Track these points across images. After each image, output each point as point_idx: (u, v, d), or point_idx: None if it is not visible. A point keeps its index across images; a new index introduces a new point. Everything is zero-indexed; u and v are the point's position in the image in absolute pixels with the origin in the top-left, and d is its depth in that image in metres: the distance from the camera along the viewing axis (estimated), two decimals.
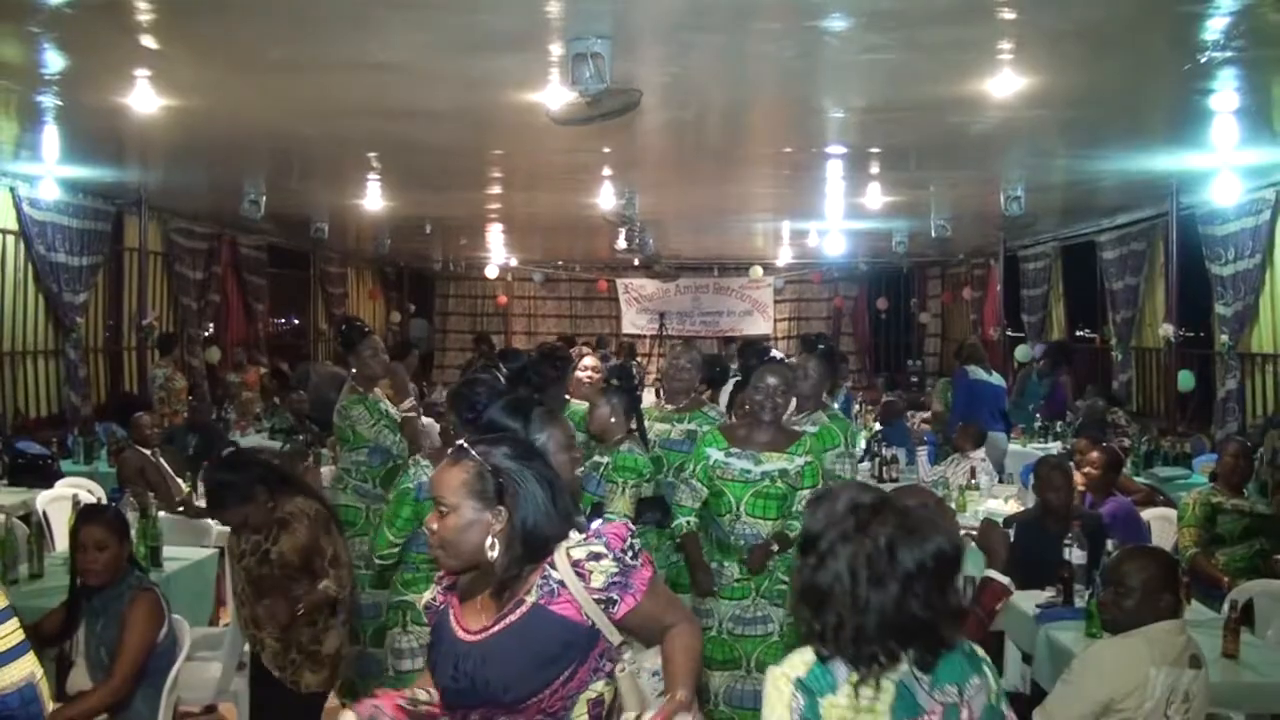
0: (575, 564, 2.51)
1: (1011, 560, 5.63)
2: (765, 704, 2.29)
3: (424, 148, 8.21)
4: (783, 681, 2.27)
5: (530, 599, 2.51)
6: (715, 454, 4.82)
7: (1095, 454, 6.34)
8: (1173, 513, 6.57)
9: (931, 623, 2.19)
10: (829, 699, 2.23)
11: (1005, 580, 3.57)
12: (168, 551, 5.79)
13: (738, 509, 4.72)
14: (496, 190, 11.00)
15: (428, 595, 2.73)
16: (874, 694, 2.20)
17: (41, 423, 9.92)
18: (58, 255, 9.89)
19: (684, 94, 6.41)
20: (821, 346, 6.26)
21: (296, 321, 18.00)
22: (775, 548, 4.65)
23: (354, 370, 6.19)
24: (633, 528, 2.66)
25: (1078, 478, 6.12)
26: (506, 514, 2.51)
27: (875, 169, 9.31)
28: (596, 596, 2.50)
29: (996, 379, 10.35)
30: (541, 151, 8.38)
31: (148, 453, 7.72)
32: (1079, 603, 4.80)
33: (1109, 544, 5.01)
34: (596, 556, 2.52)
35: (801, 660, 2.28)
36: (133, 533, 4.57)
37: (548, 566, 2.52)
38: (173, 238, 12.31)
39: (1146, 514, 6.64)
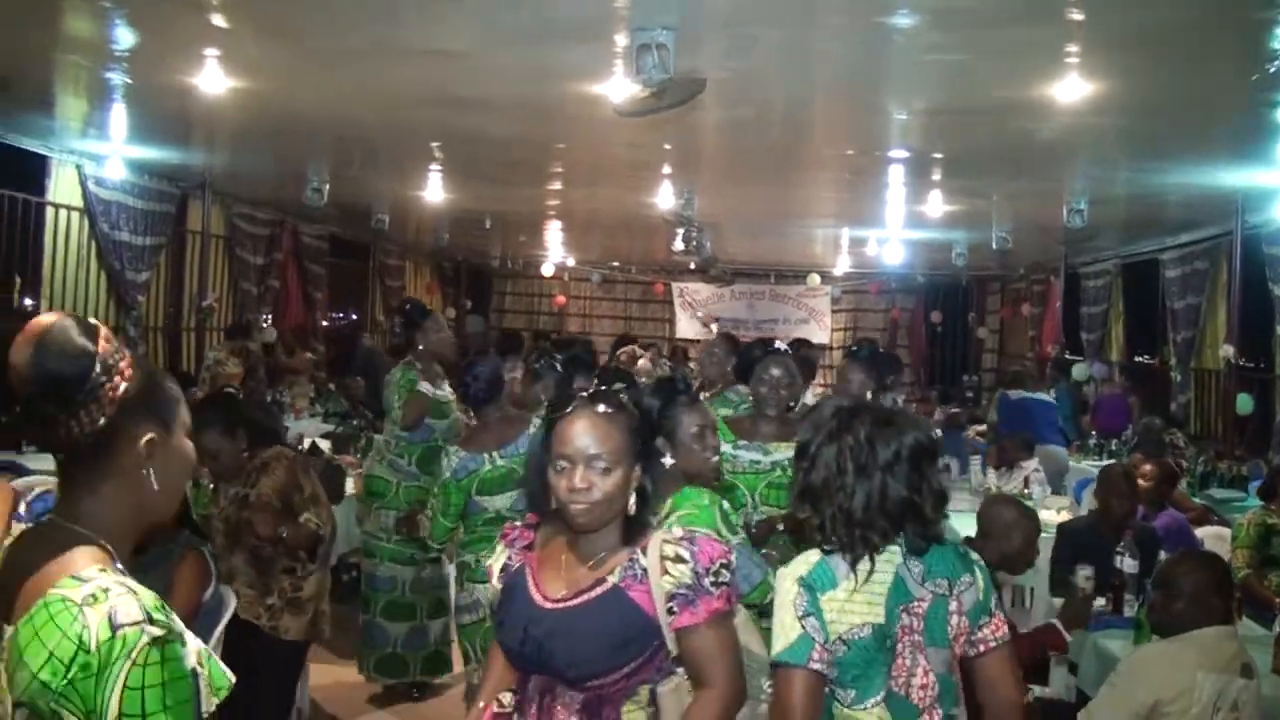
0: (663, 557, 2.45)
1: (1062, 566, 5.60)
2: (775, 606, 2.56)
3: (486, 139, 8.25)
4: (788, 582, 2.54)
5: (612, 579, 2.46)
6: (724, 447, 4.81)
7: (1149, 466, 6.25)
8: (1227, 532, 6.46)
9: (914, 502, 2.51)
10: (829, 594, 2.51)
11: (1067, 636, 4.03)
12: None
13: (753, 500, 4.69)
14: (557, 186, 11.04)
15: (501, 557, 2.66)
16: (869, 573, 2.50)
17: None
18: (121, 234, 10.05)
19: (746, 90, 6.39)
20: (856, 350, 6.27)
21: (355, 316, 18.16)
22: (781, 526, 4.56)
23: (420, 347, 6.33)
24: (733, 559, 2.53)
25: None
26: (639, 476, 2.50)
27: (937, 175, 9.24)
28: (666, 595, 2.43)
29: (1045, 395, 10.28)
30: (603, 145, 8.39)
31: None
32: (1128, 612, 4.73)
33: (1161, 556, 4.95)
34: (680, 559, 2.44)
35: (804, 561, 2.57)
36: (190, 499, 4.65)
37: (638, 551, 2.48)
38: (235, 222, 12.47)
39: (1200, 532, 6.54)
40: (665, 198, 10.68)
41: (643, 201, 11.21)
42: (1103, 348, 14.14)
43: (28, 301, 9.39)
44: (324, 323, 15.89)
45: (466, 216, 13.82)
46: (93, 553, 1.70)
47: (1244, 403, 9.85)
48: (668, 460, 3.40)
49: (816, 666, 2.47)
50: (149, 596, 1.66)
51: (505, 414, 4.92)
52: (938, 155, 8.35)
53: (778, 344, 5.24)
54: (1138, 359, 14.54)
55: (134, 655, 1.57)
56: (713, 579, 2.42)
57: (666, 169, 9.54)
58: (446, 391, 6.32)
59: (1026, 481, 7.63)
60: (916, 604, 2.52)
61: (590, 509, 2.43)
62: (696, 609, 2.40)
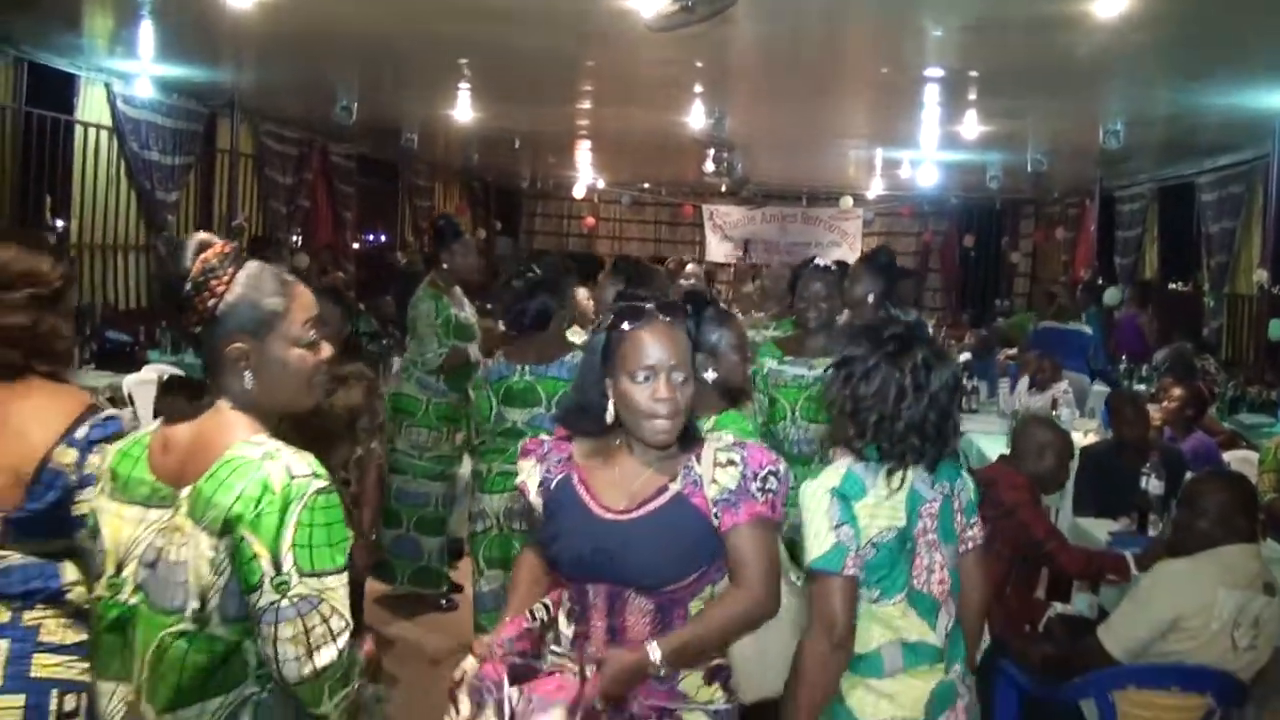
0: (715, 463, 2.48)
1: (1086, 487, 5.62)
2: (805, 519, 2.70)
3: (515, 55, 8.16)
4: (820, 492, 2.70)
5: (675, 487, 2.48)
6: (770, 364, 4.85)
7: (1178, 390, 6.22)
8: (1254, 456, 6.43)
9: (944, 429, 2.74)
10: (861, 502, 2.68)
11: (1134, 570, 4.22)
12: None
13: (792, 413, 4.72)
14: (586, 105, 10.94)
15: (536, 472, 2.61)
16: (899, 484, 2.70)
17: (130, 315, 10.16)
18: (151, 153, 10.05)
19: (778, 4, 6.29)
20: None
21: (385, 237, 18.15)
22: None
23: (444, 266, 6.30)
24: (783, 467, 2.54)
25: (1156, 414, 6.02)
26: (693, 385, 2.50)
27: (973, 95, 9.09)
28: (712, 500, 2.46)
29: (1078, 325, 10.25)
30: (632, 63, 8.30)
31: None
32: (1153, 532, 4.73)
33: (1187, 477, 4.94)
34: (731, 463, 2.48)
35: (834, 473, 2.73)
36: None
37: (692, 458, 2.50)
38: (264, 141, 12.45)
39: (1228, 456, 6.50)
40: (696, 118, 10.56)
41: (673, 121, 11.09)
42: (1136, 272, 13.98)
43: (59, 222, 9.44)
44: (354, 244, 15.91)
45: (496, 136, 13.74)
46: (249, 423, 2.07)
47: (1276, 327, 9.74)
48: (710, 375, 3.48)
49: (851, 572, 2.65)
50: (310, 457, 2.03)
51: (548, 339, 4.77)
52: (974, 74, 8.21)
53: (818, 261, 5.20)
54: (1171, 284, 14.38)
55: (305, 499, 1.97)
56: (759, 484, 2.45)
57: (698, 88, 9.42)
58: (469, 312, 6.35)
59: (1055, 403, 7.61)
60: (929, 504, 2.76)
61: (673, 420, 2.44)
62: (738, 511, 2.43)
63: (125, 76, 9.49)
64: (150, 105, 9.93)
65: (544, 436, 2.70)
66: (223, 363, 2.08)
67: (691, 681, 2.49)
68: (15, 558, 2.33)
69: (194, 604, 1.98)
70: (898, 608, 2.71)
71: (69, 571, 2.39)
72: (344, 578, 2.01)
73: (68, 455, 2.33)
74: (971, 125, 10.59)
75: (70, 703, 2.30)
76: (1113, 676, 3.49)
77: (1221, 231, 11.42)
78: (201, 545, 1.97)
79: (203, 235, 2.12)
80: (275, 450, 2.01)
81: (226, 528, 1.95)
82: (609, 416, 2.49)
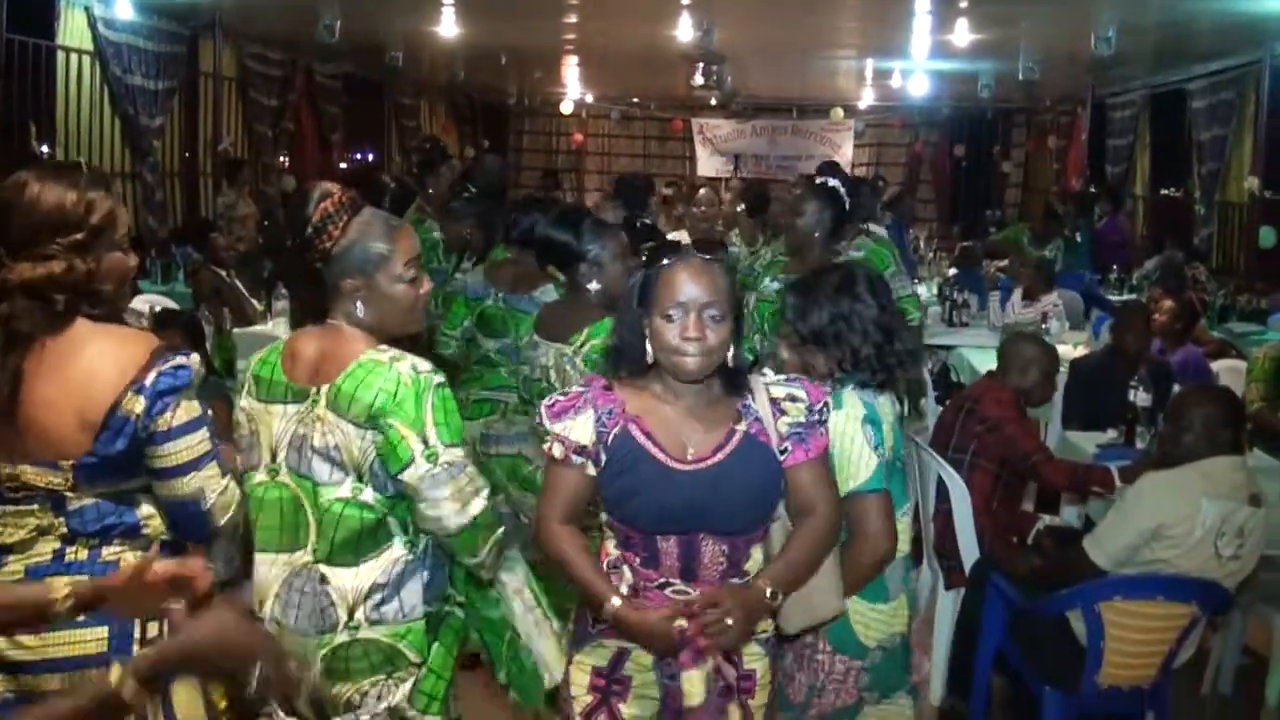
0: (773, 400, 2.49)
1: (1075, 400, 5.67)
2: (839, 452, 2.74)
3: None
4: (853, 424, 2.78)
5: (741, 428, 2.46)
6: (771, 285, 4.85)
7: (1168, 303, 6.23)
8: (1243, 365, 6.46)
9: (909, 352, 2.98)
10: (886, 424, 2.83)
11: (1118, 484, 4.25)
12: (241, 364, 5.96)
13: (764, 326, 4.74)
14: (573, 19, 10.81)
15: (586, 428, 2.45)
16: (895, 402, 2.94)
17: None
18: (134, 78, 9.94)
19: None
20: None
21: (370, 156, 17.99)
22: None
23: (430, 191, 6.23)
24: (829, 396, 2.63)
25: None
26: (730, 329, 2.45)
27: (964, 3, 8.99)
28: (780, 435, 2.47)
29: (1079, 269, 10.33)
30: None
31: (223, 273, 7.88)
32: (1140, 444, 4.78)
33: (1174, 390, 4.98)
34: (794, 399, 2.50)
35: (854, 402, 2.82)
36: (208, 346, 4.72)
37: (748, 397, 2.50)
38: (247, 64, 12.30)
39: (1216, 365, 6.54)
40: (685, 30, 10.43)
41: (662, 34, 10.95)
42: (1127, 180, 13.94)
43: (44, 149, 9.36)
44: (341, 164, 15.78)
45: (481, 53, 13.58)
46: (367, 338, 2.49)
47: (1266, 235, 9.78)
48: (593, 285, 3.78)
49: (888, 487, 2.81)
50: (424, 359, 2.46)
51: (530, 267, 4.48)
52: None
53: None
54: (1163, 191, 14.35)
55: (432, 388, 2.40)
56: (820, 416, 2.51)
57: (685, 0, 9.31)
58: None
59: (1045, 316, 7.64)
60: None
61: (703, 358, 2.38)
62: (809, 445, 2.48)
63: None
64: (131, 28, 9.79)
65: (578, 388, 2.55)
66: (339, 295, 2.48)
67: None
68: (88, 499, 2.35)
69: (350, 477, 2.43)
70: (903, 521, 2.92)
71: (144, 506, 2.41)
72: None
73: (137, 403, 2.31)
74: (963, 33, 10.47)
75: (153, 630, 2.35)
76: (1099, 588, 3.55)
77: (1213, 139, 11.38)
78: (349, 433, 2.41)
79: (325, 185, 2.51)
80: (399, 354, 2.45)
81: (372, 419, 2.38)
82: (649, 357, 2.45)
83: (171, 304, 7.69)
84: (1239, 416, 3.85)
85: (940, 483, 4.26)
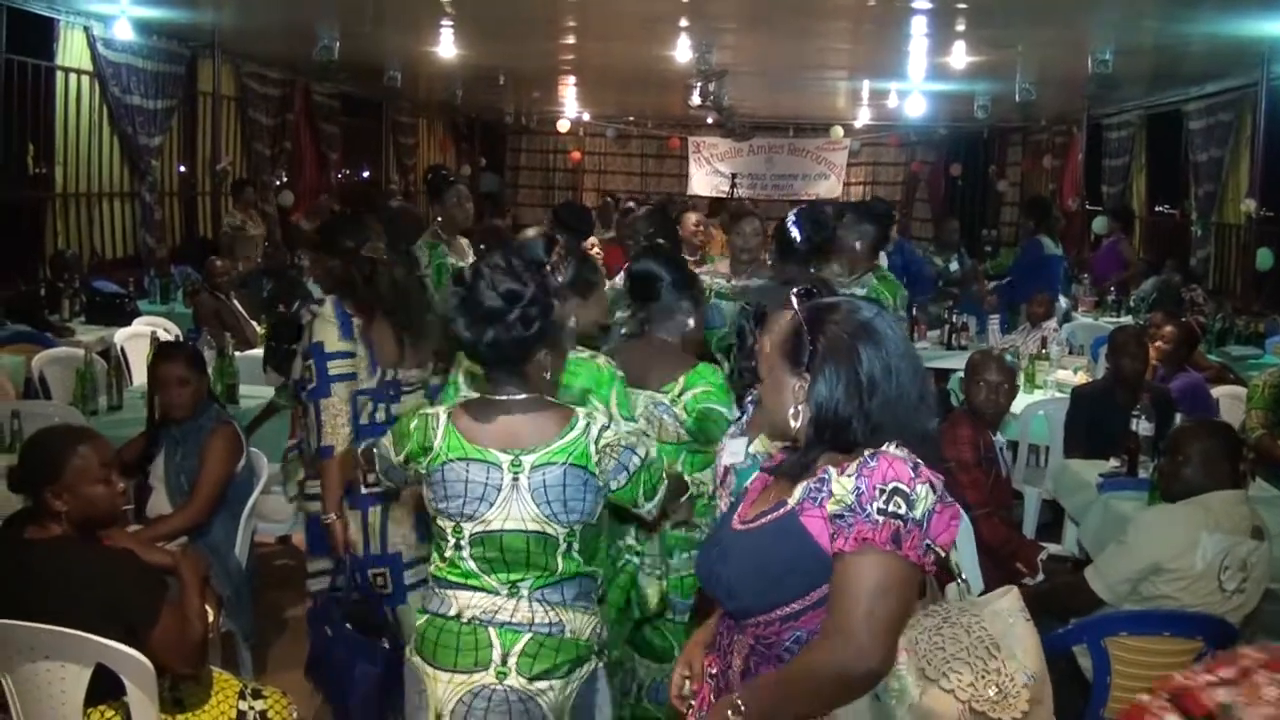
0: (846, 474, 2.05)
1: (1076, 429, 5.66)
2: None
3: None
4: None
5: (792, 501, 2.09)
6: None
7: (1169, 328, 6.23)
8: (1243, 391, 6.45)
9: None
10: None
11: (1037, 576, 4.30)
12: (243, 390, 5.96)
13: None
14: (571, 40, 10.83)
15: (741, 456, 2.52)
16: None
17: (117, 264, 10.12)
18: (133, 98, 9.94)
19: None
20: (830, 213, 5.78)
21: (367, 174, 18.01)
22: None
23: (438, 219, 6.38)
24: (920, 488, 2.01)
25: (1150, 351, 6.05)
26: (807, 382, 2.10)
27: (961, 25, 9.02)
28: (828, 518, 2.04)
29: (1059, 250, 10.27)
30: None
31: (222, 296, 7.87)
32: (1143, 474, 4.78)
33: (1177, 418, 4.98)
34: (847, 474, 2.04)
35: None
36: (210, 371, 4.72)
37: (831, 470, 2.06)
38: (246, 83, 12.32)
39: (1216, 391, 6.54)
40: (682, 51, 10.46)
41: (659, 55, 10.99)
42: (1123, 200, 13.97)
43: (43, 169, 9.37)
44: (339, 183, 15.79)
45: (480, 73, 13.61)
46: None
47: (1264, 258, 9.78)
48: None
49: None
50: None
51: None
52: (961, 6, 8.14)
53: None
54: (1158, 209, 14.39)
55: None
56: (879, 504, 1.98)
57: (683, 21, 9.32)
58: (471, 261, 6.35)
59: (1044, 342, 7.63)
60: None
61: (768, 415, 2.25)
62: (849, 534, 1.99)
63: (105, 19, 9.33)
64: (131, 48, 9.79)
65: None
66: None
67: None
68: None
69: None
70: None
71: None
72: None
73: None
74: (959, 55, 10.51)
75: None
76: (1104, 623, 3.55)
77: (1209, 160, 11.42)
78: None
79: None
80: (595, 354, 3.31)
81: (580, 397, 3.06)
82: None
83: (171, 325, 7.71)
84: (1237, 449, 3.85)
85: None
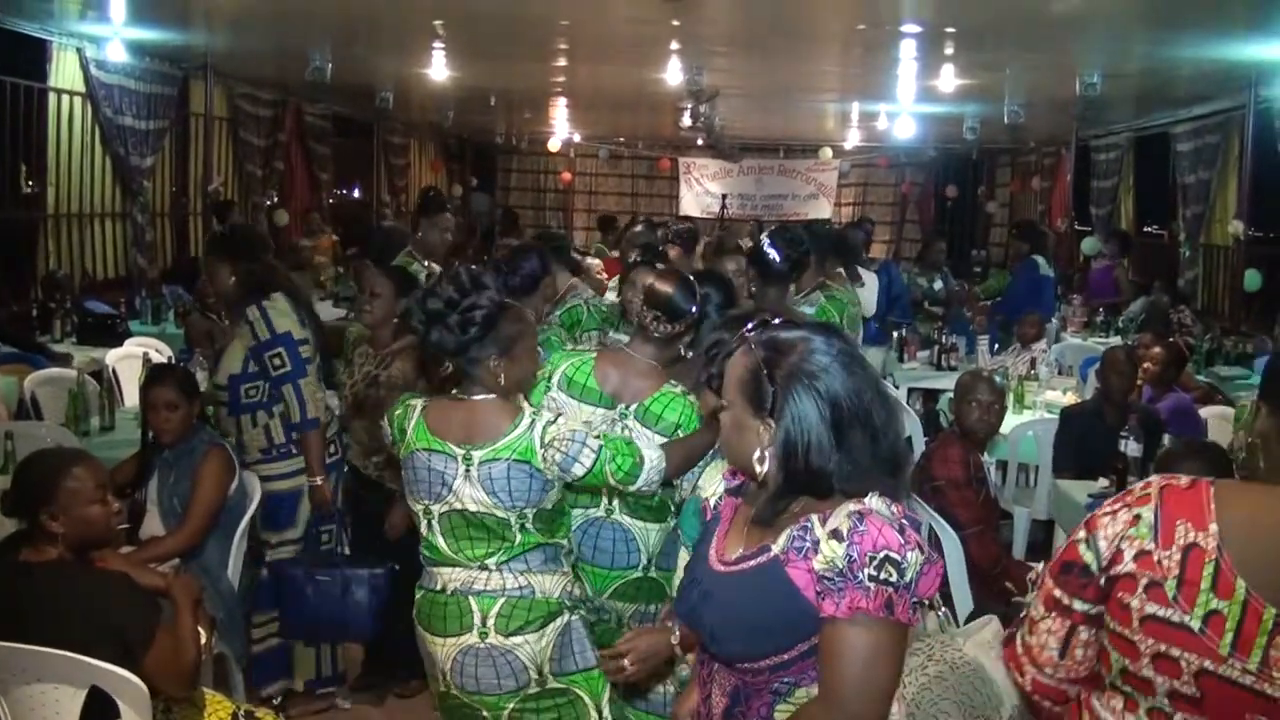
0: (832, 531, 1.98)
1: (1065, 449, 5.69)
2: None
3: (490, 15, 8.11)
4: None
5: (776, 549, 2.03)
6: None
7: (1157, 349, 6.28)
8: (1231, 411, 6.50)
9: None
10: None
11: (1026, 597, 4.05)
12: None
13: None
14: (562, 62, 10.87)
15: (719, 488, 2.36)
16: None
17: (109, 284, 10.12)
18: (125, 118, 9.96)
19: None
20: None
21: (358, 193, 18.06)
22: None
23: (419, 235, 6.45)
24: (911, 555, 1.95)
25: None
26: (773, 429, 2.03)
27: (950, 49, 9.08)
28: (816, 577, 1.99)
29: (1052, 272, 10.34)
30: (608, 21, 8.26)
31: (214, 317, 7.86)
32: None
33: (1165, 439, 5.01)
34: (838, 537, 1.97)
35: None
36: (202, 392, 4.72)
37: (814, 518, 2.01)
38: (238, 104, 12.34)
39: (1205, 412, 6.58)
40: (673, 73, 10.51)
41: (650, 77, 11.04)
42: (1111, 222, 14.05)
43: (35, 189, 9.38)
44: (330, 203, 15.81)
45: (471, 94, 13.65)
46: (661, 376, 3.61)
47: (1251, 279, 9.83)
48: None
49: None
50: None
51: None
52: (951, 30, 8.20)
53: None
54: (1146, 229, 14.46)
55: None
56: (871, 571, 1.92)
57: (674, 44, 9.37)
58: None
59: (1033, 363, 7.67)
60: None
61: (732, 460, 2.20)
62: (840, 600, 1.94)
63: (97, 41, 9.36)
64: (123, 70, 9.81)
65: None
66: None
67: None
68: None
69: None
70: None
71: None
72: None
73: None
74: (949, 78, 10.59)
75: None
76: None
77: (1197, 182, 11.49)
78: (652, 437, 3.37)
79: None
80: (685, 389, 3.48)
81: (671, 431, 3.41)
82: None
83: (162, 346, 7.70)
84: (1225, 470, 3.88)
85: (931, 533, 4.28)
